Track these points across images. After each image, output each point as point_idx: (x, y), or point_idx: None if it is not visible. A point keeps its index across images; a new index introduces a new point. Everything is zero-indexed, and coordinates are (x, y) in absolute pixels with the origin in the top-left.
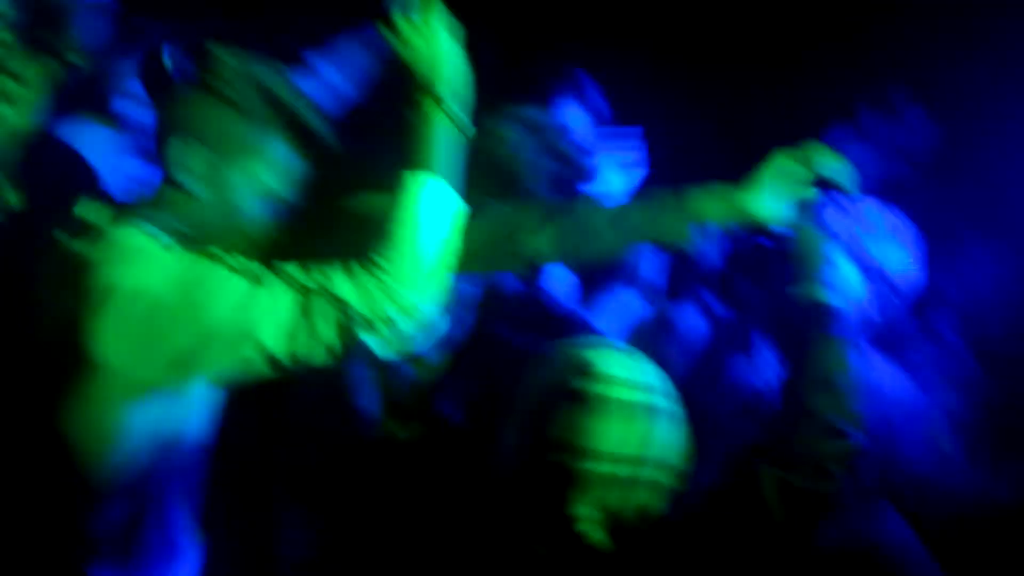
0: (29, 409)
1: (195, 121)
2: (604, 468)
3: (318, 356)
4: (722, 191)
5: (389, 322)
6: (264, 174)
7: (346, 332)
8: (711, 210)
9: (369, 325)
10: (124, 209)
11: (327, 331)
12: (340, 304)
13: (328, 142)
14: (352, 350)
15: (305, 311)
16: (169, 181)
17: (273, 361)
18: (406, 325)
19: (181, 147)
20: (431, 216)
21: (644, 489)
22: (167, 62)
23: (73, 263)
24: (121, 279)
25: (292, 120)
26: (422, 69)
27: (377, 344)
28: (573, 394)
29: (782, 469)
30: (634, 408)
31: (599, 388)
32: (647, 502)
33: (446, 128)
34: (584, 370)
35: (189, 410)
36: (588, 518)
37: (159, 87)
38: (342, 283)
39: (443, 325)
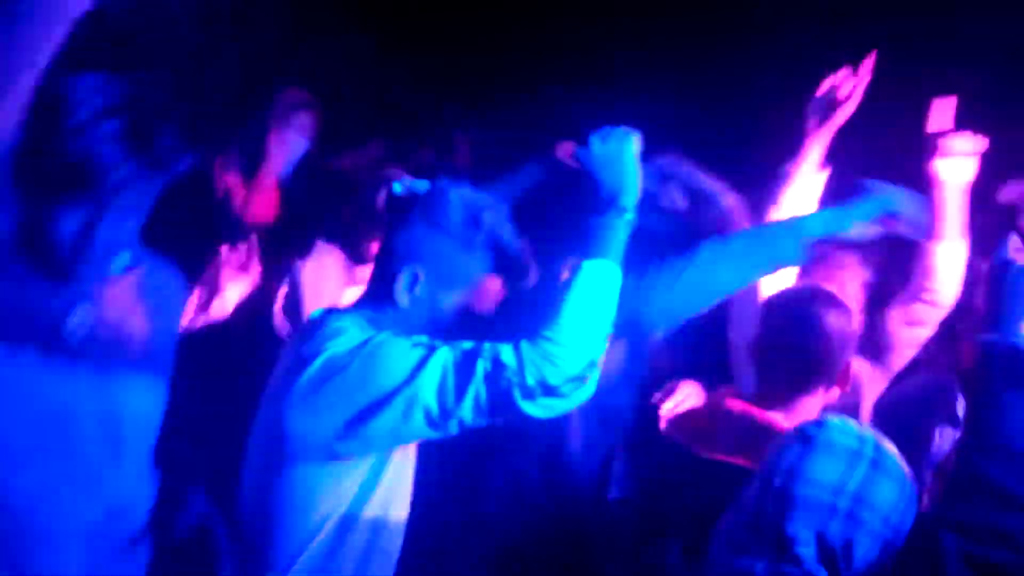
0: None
1: (420, 250)
2: (815, 493)
3: (475, 417)
4: (830, 212)
5: (546, 387)
6: (468, 296)
7: (503, 395)
8: (820, 228)
9: (527, 389)
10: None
11: (483, 392)
12: (501, 368)
13: (523, 262)
14: (508, 413)
15: (467, 373)
16: (384, 289)
17: (433, 420)
18: (563, 391)
19: (407, 273)
20: (598, 296)
21: (851, 524)
22: (400, 193)
23: (289, 345)
24: (316, 352)
25: (500, 249)
26: (612, 185)
27: (533, 408)
28: (803, 436)
29: (964, 539)
30: (845, 450)
31: (821, 432)
32: (854, 538)
33: (623, 227)
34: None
35: (369, 482)
36: (804, 541)
37: (392, 214)
38: (507, 351)
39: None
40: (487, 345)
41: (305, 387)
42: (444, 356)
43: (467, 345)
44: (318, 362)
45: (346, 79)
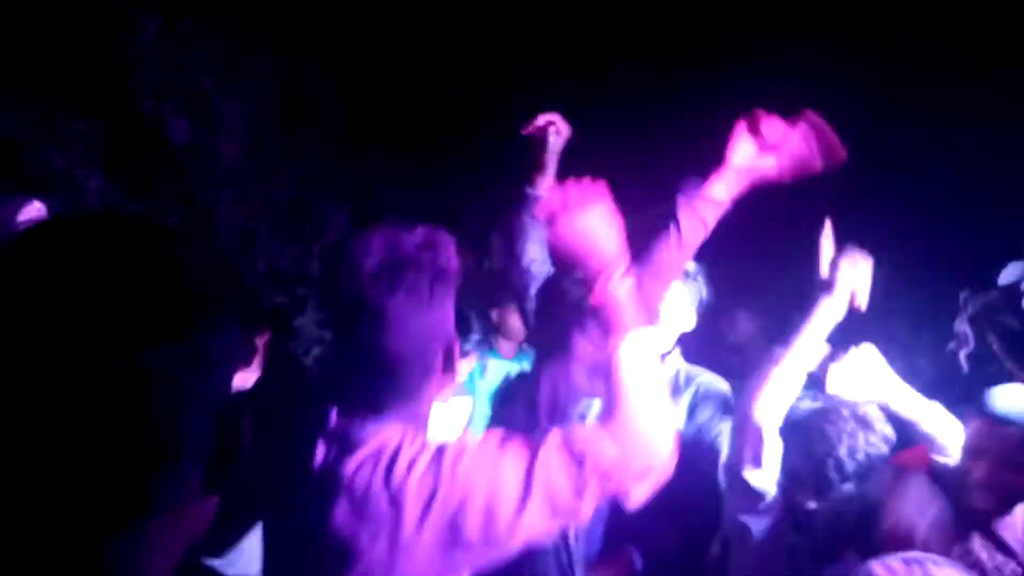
0: None
1: None
2: None
3: (582, 510)
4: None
5: (641, 469)
6: None
7: (608, 484)
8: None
9: (626, 475)
10: None
11: (593, 485)
12: (603, 460)
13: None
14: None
15: (572, 468)
16: None
17: (546, 518)
18: (652, 469)
19: None
20: (644, 368)
21: None
22: None
23: None
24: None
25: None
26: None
27: (637, 491)
28: None
29: None
30: None
31: None
32: None
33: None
34: None
35: None
36: None
37: None
38: (605, 443)
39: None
40: (579, 435)
41: None
42: (547, 453)
43: (559, 437)
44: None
45: None
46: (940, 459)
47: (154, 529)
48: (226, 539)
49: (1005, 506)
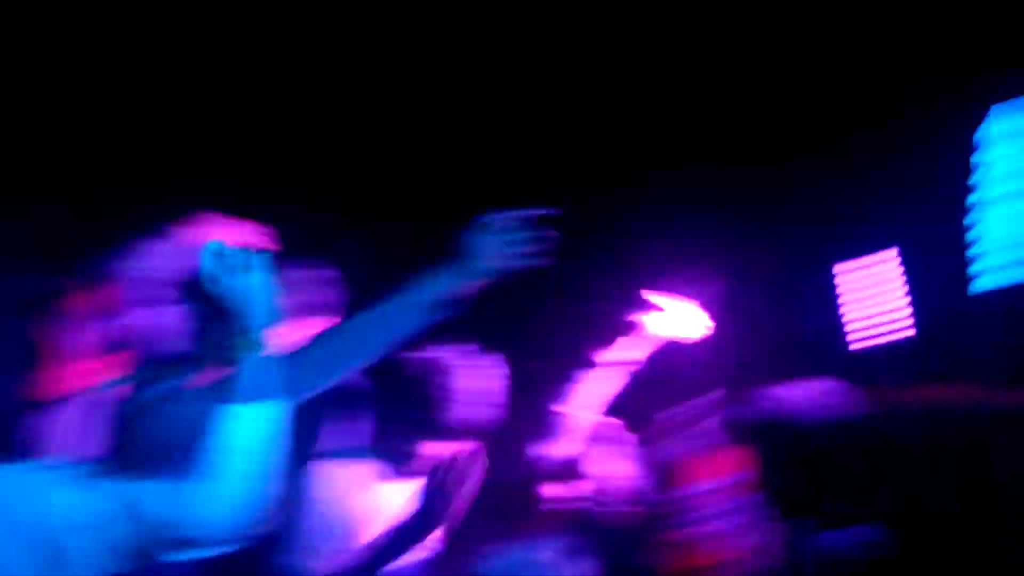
0: None
1: None
2: None
3: (141, 557)
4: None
5: (198, 529)
6: None
7: (160, 537)
8: (432, 292)
9: (179, 532)
10: None
11: (143, 536)
12: (156, 513)
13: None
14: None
15: (126, 517)
16: None
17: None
18: (215, 531)
19: None
20: (243, 442)
21: None
22: None
23: None
24: None
25: None
26: (238, 307)
27: (185, 549)
28: None
29: None
30: None
31: None
32: None
33: (258, 355)
34: None
35: None
36: None
37: None
38: (160, 496)
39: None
40: (146, 492)
41: None
42: (101, 498)
43: (120, 485)
44: None
45: None
46: None
47: None
48: None
49: None
